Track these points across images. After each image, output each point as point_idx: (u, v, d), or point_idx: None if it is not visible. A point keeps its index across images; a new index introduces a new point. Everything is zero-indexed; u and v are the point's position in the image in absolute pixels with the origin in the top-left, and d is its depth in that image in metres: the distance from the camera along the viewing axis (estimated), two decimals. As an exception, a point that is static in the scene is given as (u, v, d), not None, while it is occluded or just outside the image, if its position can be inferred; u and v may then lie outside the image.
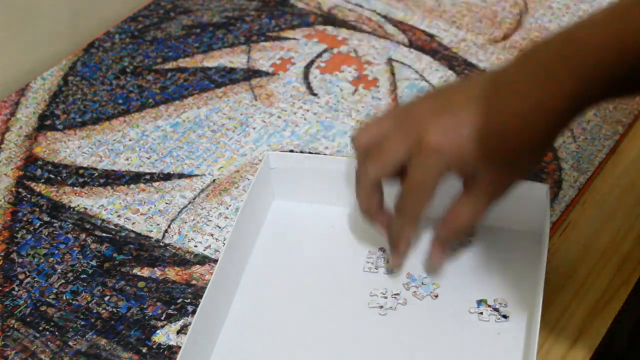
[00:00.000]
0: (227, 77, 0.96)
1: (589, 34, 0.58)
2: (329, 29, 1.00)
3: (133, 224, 0.80)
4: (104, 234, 0.79)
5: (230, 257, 0.72)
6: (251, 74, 0.96)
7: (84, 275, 0.76)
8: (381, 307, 0.71)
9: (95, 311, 0.73)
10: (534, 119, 0.61)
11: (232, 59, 0.98)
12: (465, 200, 0.67)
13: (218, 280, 0.69)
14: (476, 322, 0.70)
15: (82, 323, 0.72)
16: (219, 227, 0.79)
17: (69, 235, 0.79)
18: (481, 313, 0.70)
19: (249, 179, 0.84)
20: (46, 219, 0.81)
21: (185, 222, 0.80)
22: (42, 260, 0.77)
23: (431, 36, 0.99)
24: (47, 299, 0.74)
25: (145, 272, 0.76)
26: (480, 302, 0.71)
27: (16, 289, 0.75)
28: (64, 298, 0.74)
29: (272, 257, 0.76)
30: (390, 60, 0.96)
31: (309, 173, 0.78)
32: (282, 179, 0.79)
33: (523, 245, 0.75)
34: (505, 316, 0.70)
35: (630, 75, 0.57)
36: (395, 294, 0.72)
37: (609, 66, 0.57)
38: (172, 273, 0.76)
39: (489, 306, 0.71)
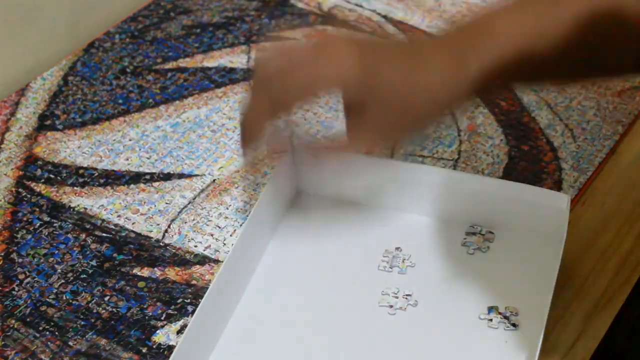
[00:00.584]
0: (227, 77, 0.96)
1: (501, 27, 0.68)
2: (329, 29, 1.00)
3: (133, 224, 0.80)
4: (104, 234, 0.79)
5: (246, 247, 0.72)
6: (251, 74, 0.96)
7: (84, 275, 0.76)
8: (391, 306, 0.72)
9: (95, 311, 0.73)
10: (439, 89, 0.67)
11: (232, 59, 0.98)
12: (356, 133, 0.69)
13: (231, 265, 0.70)
14: (485, 329, 0.70)
15: (82, 323, 0.72)
16: (219, 227, 0.79)
17: (69, 235, 0.79)
18: (491, 320, 0.70)
19: (249, 179, 0.84)
20: (46, 219, 0.81)
21: (185, 222, 0.80)
22: (42, 260, 0.77)
23: (431, 36, 0.99)
24: (47, 299, 0.74)
25: (145, 272, 0.76)
26: (491, 309, 0.71)
27: (16, 289, 0.75)
28: (64, 298, 0.74)
29: (289, 247, 0.77)
30: (390, 60, 0.96)
31: (332, 169, 0.78)
32: (306, 171, 0.79)
33: (540, 255, 0.74)
34: (514, 325, 0.70)
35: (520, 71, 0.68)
36: (406, 295, 0.72)
37: (507, 62, 0.67)
38: (172, 273, 0.76)
39: (500, 314, 0.70)
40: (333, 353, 0.69)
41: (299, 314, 0.72)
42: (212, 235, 0.79)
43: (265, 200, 0.75)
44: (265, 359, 0.69)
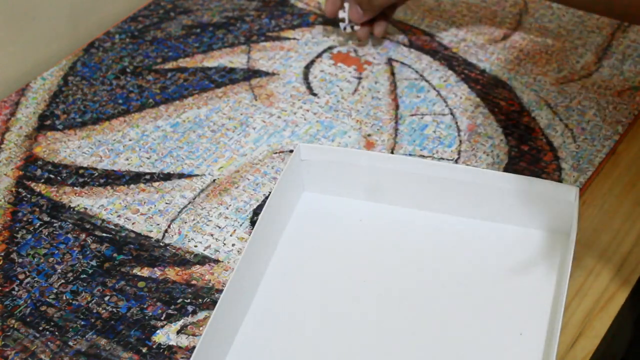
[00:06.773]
0: (227, 77, 0.96)
1: None
2: (329, 28, 1.00)
3: (133, 224, 0.80)
4: (104, 234, 0.80)
5: (257, 246, 0.72)
6: (251, 74, 0.96)
7: (84, 275, 0.76)
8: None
9: (95, 311, 0.73)
10: None
11: (232, 59, 0.98)
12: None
13: (243, 268, 0.70)
14: (498, 320, 0.71)
15: (82, 323, 0.73)
16: (219, 227, 0.80)
17: (69, 235, 0.79)
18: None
19: (249, 179, 0.84)
20: (46, 219, 0.81)
21: (185, 222, 0.80)
22: (42, 260, 0.77)
23: (431, 36, 0.99)
24: (47, 299, 0.74)
25: (145, 272, 0.76)
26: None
27: (16, 289, 0.75)
28: (64, 298, 0.74)
29: (298, 248, 0.77)
30: (390, 60, 0.96)
31: (339, 166, 0.78)
32: (312, 171, 0.79)
33: (550, 246, 0.75)
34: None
35: None
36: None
37: None
38: (172, 273, 0.76)
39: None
40: (349, 346, 0.70)
41: (312, 311, 0.72)
42: (212, 235, 0.79)
43: (274, 200, 0.75)
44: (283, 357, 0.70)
